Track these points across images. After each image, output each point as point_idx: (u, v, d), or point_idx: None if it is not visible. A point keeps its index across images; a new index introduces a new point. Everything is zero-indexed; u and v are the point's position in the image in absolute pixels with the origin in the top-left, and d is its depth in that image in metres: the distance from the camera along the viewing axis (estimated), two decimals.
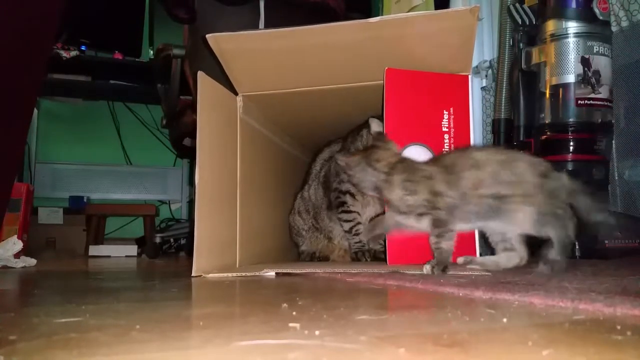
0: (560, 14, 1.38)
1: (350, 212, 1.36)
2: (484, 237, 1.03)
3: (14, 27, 1.19)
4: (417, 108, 1.13)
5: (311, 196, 1.50)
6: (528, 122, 1.52)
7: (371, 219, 1.36)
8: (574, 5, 1.36)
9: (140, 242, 2.59)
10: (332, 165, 1.45)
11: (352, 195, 1.35)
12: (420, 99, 1.14)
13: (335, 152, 1.48)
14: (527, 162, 0.92)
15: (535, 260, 0.93)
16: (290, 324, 0.45)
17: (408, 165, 0.99)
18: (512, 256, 0.97)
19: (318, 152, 1.59)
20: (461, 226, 0.96)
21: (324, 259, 1.45)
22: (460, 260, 1.01)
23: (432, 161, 1.01)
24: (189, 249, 2.13)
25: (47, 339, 0.42)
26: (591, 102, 1.33)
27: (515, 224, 0.92)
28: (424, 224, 0.95)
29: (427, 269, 0.91)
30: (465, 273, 0.91)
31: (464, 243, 1.08)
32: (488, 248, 1.05)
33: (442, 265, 0.91)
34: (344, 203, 1.36)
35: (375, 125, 1.26)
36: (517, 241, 0.97)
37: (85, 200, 3.07)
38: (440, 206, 0.92)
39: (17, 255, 1.48)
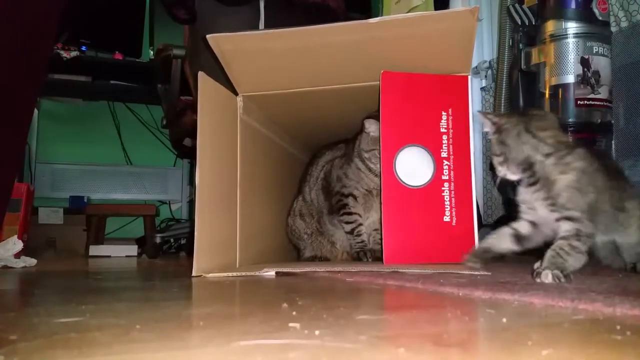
0: (560, 15, 1.38)
1: (351, 213, 1.36)
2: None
3: (15, 27, 1.20)
4: (414, 110, 1.13)
5: (313, 200, 1.50)
6: None
7: (375, 229, 1.36)
8: (573, 5, 1.36)
9: (140, 242, 2.58)
10: (332, 170, 1.45)
11: (355, 198, 1.35)
12: (417, 101, 1.14)
13: (336, 156, 1.48)
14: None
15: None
16: (290, 324, 0.45)
17: (585, 154, 0.82)
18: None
19: (317, 154, 1.58)
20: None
21: (325, 260, 1.45)
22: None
23: (598, 161, 0.84)
24: (189, 249, 2.13)
25: (47, 338, 0.42)
26: (591, 102, 1.34)
27: (622, 236, 0.88)
28: (556, 229, 0.80)
29: (548, 277, 0.73)
30: (465, 272, 0.91)
31: (464, 247, 1.08)
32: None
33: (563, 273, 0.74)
34: (345, 205, 1.36)
35: (369, 125, 1.26)
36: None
37: (85, 200, 3.07)
38: (591, 220, 0.78)
39: (17, 255, 1.48)
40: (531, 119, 0.85)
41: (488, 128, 0.88)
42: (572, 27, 1.36)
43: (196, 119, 1.01)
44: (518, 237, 0.87)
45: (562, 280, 0.72)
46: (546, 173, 0.81)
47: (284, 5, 1.63)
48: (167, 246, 2.58)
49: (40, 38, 1.27)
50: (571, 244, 0.76)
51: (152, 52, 3.02)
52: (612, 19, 1.47)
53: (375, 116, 1.26)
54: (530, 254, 0.93)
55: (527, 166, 0.82)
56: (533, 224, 0.86)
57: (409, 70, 1.15)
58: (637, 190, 0.91)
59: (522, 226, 0.87)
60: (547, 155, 0.81)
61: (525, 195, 0.85)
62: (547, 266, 0.75)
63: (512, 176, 0.86)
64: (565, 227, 0.78)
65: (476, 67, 2.00)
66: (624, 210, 0.87)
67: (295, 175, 1.66)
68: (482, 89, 2.00)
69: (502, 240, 0.88)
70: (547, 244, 0.82)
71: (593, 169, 0.81)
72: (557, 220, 0.80)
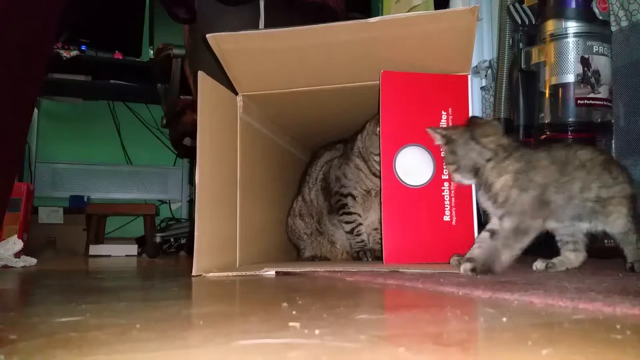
0: (560, 14, 1.38)
1: (351, 213, 1.36)
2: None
3: (14, 27, 1.19)
4: (414, 109, 1.13)
5: (313, 200, 1.50)
6: (527, 122, 1.52)
7: (375, 229, 1.36)
8: (573, 5, 1.36)
9: (140, 241, 2.59)
10: (331, 170, 1.45)
11: (353, 198, 1.36)
12: (417, 100, 1.14)
13: (335, 156, 1.48)
14: (619, 165, 0.91)
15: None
16: (290, 323, 0.45)
17: (522, 154, 0.89)
18: (579, 255, 0.97)
19: (316, 155, 1.58)
20: (550, 225, 0.91)
21: (325, 260, 1.45)
22: (540, 265, 0.97)
23: (544, 153, 0.90)
24: (189, 249, 2.13)
25: (47, 338, 0.42)
26: (591, 101, 1.33)
27: (607, 225, 0.90)
28: (501, 224, 0.87)
29: (466, 267, 0.85)
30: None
31: (464, 247, 1.08)
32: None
33: (486, 268, 0.85)
34: (345, 205, 1.36)
35: (374, 126, 1.26)
36: (582, 242, 0.97)
37: (85, 199, 3.07)
38: (537, 215, 0.86)
39: (17, 255, 1.49)
40: (475, 127, 0.92)
41: (439, 141, 0.96)
42: (572, 26, 1.36)
43: (196, 119, 1.01)
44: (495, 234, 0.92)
45: (469, 273, 0.84)
46: (487, 177, 0.89)
47: (284, 5, 1.63)
48: (167, 246, 2.58)
49: (40, 37, 1.27)
50: (505, 241, 0.86)
51: (152, 52, 3.02)
52: (612, 18, 1.47)
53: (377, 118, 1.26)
54: (526, 253, 0.94)
55: (475, 171, 0.91)
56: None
57: (409, 69, 1.15)
58: (624, 179, 0.91)
59: (494, 224, 0.92)
60: (488, 160, 0.90)
61: (480, 198, 0.94)
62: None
63: (467, 181, 0.95)
64: (505, 224, 0.87)
65: (476, 66, 2.00)
66: (601, 202, 0.89)
67: (295, 175, 1.67)
68: (482, 88, 1.99)
69: (485, 244, 0.91)
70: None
71: (533, 167, 0.88)
72: (500, 217, 0.88)
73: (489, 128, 0.93)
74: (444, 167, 0.96)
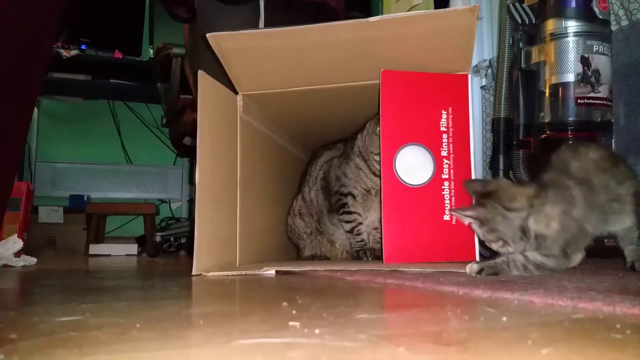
0: (560, 13, 1.38)
1: (351, 212, 1.36)
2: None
3: (14, 26, 1.19)
4: (414, 109, 1.13)
5: (313, 200, 1.50)
6: (528, 121, 1.52)
7: (375, 228, 1.36)
8: (573, 4, 1.36)
9: (140, 241, 2.59)
10: (331, 170, 1.45)
11: (354, 197, 1.36)
12: (417, 100, 1.14)
13: (335, 156, 1.48)
14: (625, 161, 0.90)
15: None
16: (290, 323, 0.45)
17: (555, 191, 0.85)
18: (578, 254, 0.93)
19: (316, 154, 1.58)
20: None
21: (325, 259, 1.45)
22: None
23: (570, 181, 0.86)
24: (189, 248, 2.13)
25: (47, 337, 0.42)
26: (591, 101, 1.33)
27: (616, 224, 0.88)
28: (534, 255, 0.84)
29: (473, 268, 0.84)
30: (464, 271, 0.91)
31: (464, 246, 1.08)
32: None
33: (493, 272, 0.83)
34: (345, 204, 1.36)
35: (374, 126, 1.26)
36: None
37: (85, 199, 3.07)
38: (577, 248, 0.84)
39: (17, 254, 1.49)
40: (496, 196, 0.87)
41: (471, 222, 0.90)
42: (572, 25, 1.36)
43: (196, 118, 1.01)
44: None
45: (475, 275, 0.83)
46: (534, 231, 0.84)
47: (284, 4, 1.63)
48: (167, 245, 2.59)
49: (40, 36, 1.27)
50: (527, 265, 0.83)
51: (152, 51, 3.02)
52: (612, 17, 1.47)
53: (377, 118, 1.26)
54: None
55: (523, 234, 0.85)
56: None
57: (409, 69, 1.15)
58: (631, 172, 0.90)
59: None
60: (527, 217, 0.84)
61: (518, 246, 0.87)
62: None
63: (517, 248, 0.87)
64: (540, 258, 0.83)
65: (476, 65, 2.00)
66: (617, 200, 0.87)
67: (295, 174, 1.67)
68: (482, 87, 1.99)
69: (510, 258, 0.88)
70: None
71: (570, 201, 0.84)
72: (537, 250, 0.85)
73: (506, 190, 0.88)
74: (488, 244, 0.90)
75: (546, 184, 0.87)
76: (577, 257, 0.88)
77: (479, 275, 0.84)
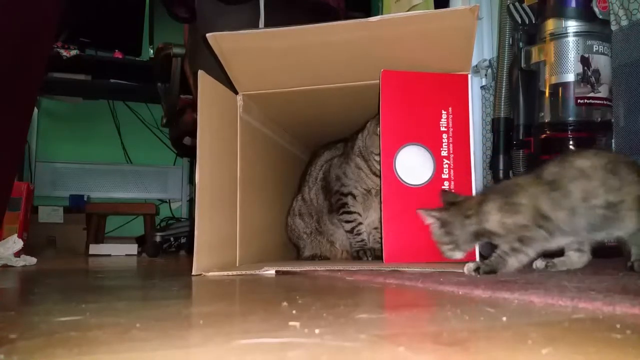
0: (560, 13, 1.38)
1: (351, 212, 1.36)
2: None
3: (14, 26, 1.19)
4: (413, 109, 1.13)
5: (313, 200, 1.50)
6: (528, 121, 1.52)
7: (375, 228, 1.36)
8: (573, 4, 1.36)
9: (140, 240, 2.59)
10: (332, 169, 1.45)
11: (354, 197, 1.35)
12: (417, 100, 1.14)
13: (335, 155, 1.48)
14: (628, 163, 0.90)
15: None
16: (290, 323, 0.45)
17: (494, 191, 0.95)
18: (583, 256, 0.97)
19: (316, 154, 1.58)
20: (566, 240, 0.93)
21: (325, 259, 1.45)
22: (540, 264, 0.97)
23: (521, 178, 0.95)
24: (189, 248, 2.13)
25: (47, 337, 0.42)
26: (591, 101, 1.33)
27: (622, 230, 0.90)
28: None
29: (469, 267, 0.89)
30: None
31: None
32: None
33: (489, 269, 0.88)
34: (345, 204, 1.36)
35: (375, 126, 1.26)
36: (589, 244, 0.97)
37: (85, 199, 3.07)
38: (539, 225, 0.88)
39: (17, 254, 1.49)
40: (459, 205, 0.97)
41: (433, 223, 1.00)
42: (572, 25, 1.36)
43: (196, 118, 1.01)
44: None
45: (472, 273, 0.88)
46: (485, 230, 0.93)
47: (284, 4, 1.63)
48: (167, 245, 2.58)
49: (40, 36, 1.27)
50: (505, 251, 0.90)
51: (152, 51, 3.02)
52: (612, 17, 1.47)
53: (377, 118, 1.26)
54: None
55: (476, 236, 0.95)
56: None
57: (409, 68, 1.15)
58: (633, 179, 0.89)
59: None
60: (477, 215, 0.94)
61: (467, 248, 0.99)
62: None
63: (462, 254, 0.98)
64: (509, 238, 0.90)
65: (476, 65, 2.00)
66: (612, 206, 0.88)
67: (295, 174, 1.67)
68: (482, 87, 1.99)
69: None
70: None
71: (512, 192, 0.92)
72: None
73: (468, 201, 0.98)
74: (437, 246, 1.00)
75: (490, 188, 0.97)
76: (540, 234, 0.90)
77: (477, 275, 0.86)
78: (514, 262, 0.89)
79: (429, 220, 1.00)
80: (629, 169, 0.90)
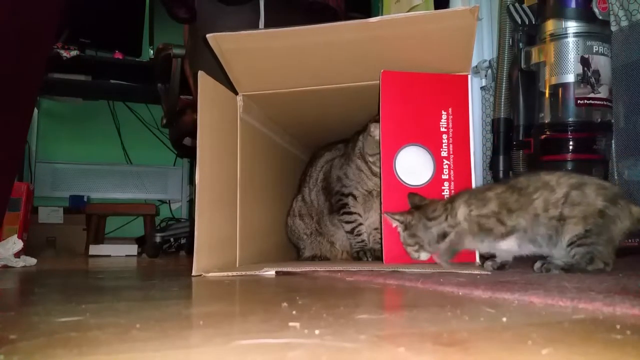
0: (560, 14, 1.38)
1: (351, 213, 1.36)
2: None
3: (15, 26, 1.19)
4: (414, 109, 1.13)
5: (313, 201, 1.50)
6: (528, 122, 1.52)
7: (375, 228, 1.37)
8: (573, 4, 1.36)
9: (140, 241, 2.59)
10: (332, 170, 1.45)
11: (354, 198, 1.35)
12: (417, 100, 1.14)
13: (335, 156, 1.48)
14: (595, 186, 0.92)
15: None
16: (290, 323, 0.45)
17: (464, 193, 1.01)
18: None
19: (316, 155, 1.58)
20: (530, 250, 0.95)
21: (325, 260, 1.45)
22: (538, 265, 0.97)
23: (488, 185, 1.03)
24: (189, 248, 2.13)
25: (47, 338, 0.42)
26: (591, 101, 1.33)
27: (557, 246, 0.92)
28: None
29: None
30: (464, 272, 0.91)
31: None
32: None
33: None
34: (345, 205, 1.36)
35: (375, 130, 1.26)
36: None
37: (85, 199, 3.07)
38: (507, 223, 0.93)
39: (17, 255, 1.48)
40: (423, 209, 1.02)
41: (398, 226, 1.05)
42: (572, 26, 1.36)
43: (196, 118, 1.01)
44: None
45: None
46: (453, 229, 0.98)
47: (284, 5, 1.63)
48: (167, 245, 2.58)
49: (40, 37, 1.27)
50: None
51: (152, 51, 3.02)
52: (612, 18, 1.47)
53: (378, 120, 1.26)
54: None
55: (443, 236, 1.00)
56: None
57: (409, 69, 1.15)
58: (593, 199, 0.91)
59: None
60: (445, 220, 0.99)
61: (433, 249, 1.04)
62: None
63: (427, 255, 1.04)
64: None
65: (476, 66, 2.00)
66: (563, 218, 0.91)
67: (295, 174, 1.67)
68: (482, 88, 2.00)
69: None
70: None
71: (479, 192, 0.99)
72: None
73: (432, 204, 1.03)
74: (404, 247, 1.05)
75: (459, 193, 1.02)
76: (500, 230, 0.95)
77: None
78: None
79: (394, 223, 1.05)
80: (597, 188, 0.92)
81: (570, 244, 0.89)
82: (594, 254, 0.87)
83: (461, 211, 0.97)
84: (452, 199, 1.02)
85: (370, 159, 1.30)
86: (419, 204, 1.05)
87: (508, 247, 0.95)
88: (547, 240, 0.92)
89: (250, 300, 0.72)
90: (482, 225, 0.94)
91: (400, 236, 1.05)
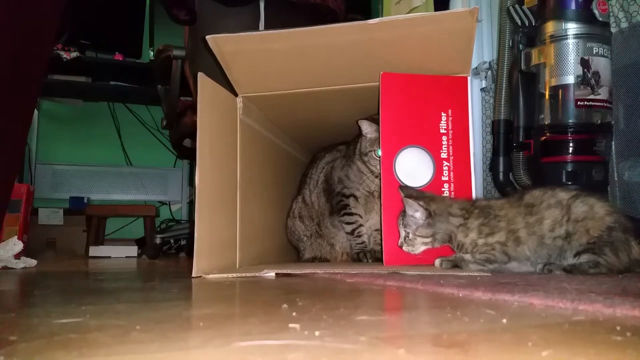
0: (560, 15, 1.38)
1: (352, 214, 1.36)
2: None
3: (15, 28, 1.20)
4: (413, 111, 1.14)
5: (314, 202, 1.50)
6: (528, 123, 1.52)
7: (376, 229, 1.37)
8: (573, 6, 1.36)
9: (140, 242, 2.59)
10: (333, 171, 1.45)
11: (356, 199, 1.36)
12: (417, 102, 1.14)
13: (336, 157, 1.48)
14: (592, 201, 0.93)
15: None
16: (290, 325, 0.45)
17: (482, 209, 0.99)
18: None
19: (316, 157, 1.58)
20: (527, 266, 0.96)
21: (325, 262, 1.45)
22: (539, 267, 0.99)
23: (504, 201, 1.00)
24: (189, 250, 2.12)
25: (47, 339, 0.42)
26: (591, 103, 1.33)
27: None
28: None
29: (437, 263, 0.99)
30: (464, 274, 0.91)
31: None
32: None
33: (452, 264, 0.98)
34: (346, 206, 1.36)
35: (365, 126, 1.26)
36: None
37: (85, 200, 3.07)
38: (511, 254, 0.94)
39: (17, 256, 1.48)
40: (444, 201, 1.01)
41: (422, 214, 1.01)
42: (572, 28, 1.36)
43: (196, 120, 1.01)
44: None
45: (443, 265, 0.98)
46: (458, 239, 0.99)
47: (284, 6, 1.63)
48: (167, 247, 2.58)
49: (41, 39, 1.27)
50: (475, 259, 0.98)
51: (152, 53, 3.02)
52: (612, 19, 1.47)
53: (369, 118, 1.26)
54: None
55: (449, 238, 1.00)
56: None
57: (409, 71, 1.15)
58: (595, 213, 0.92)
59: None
60: (459, 226, 0.99)
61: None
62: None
63: (422, 248, 1.03)
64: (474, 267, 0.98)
65: (476, 68, 2.00)
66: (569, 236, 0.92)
67: (295, 176, 1.67)
68: (482, 89, 2.00)
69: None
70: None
71: (494, 216, 0.97)
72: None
73: (442, 198, 1.03)
74: (415, 237, 1.02)
75: (477, 205, 1.01)
76: (503, 259, 0.96)
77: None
78: (473, 268, 0.97)
79: (416, 209, 1.00)
80: (601, 205, 0.93)
81: (577, 253, 0.90)
82: (599, 262, 0.88)
83: (471, 236, 0.97)
84: (470, 210, 0.99)
85: (365, 157, 1.30)
86: (431, 197, 1.03)
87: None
88: (548, 259, 0.93)
89: (250, 301, 0.72)
90: (485, 253, 0.95)
91: (410, 226, 1.02)
